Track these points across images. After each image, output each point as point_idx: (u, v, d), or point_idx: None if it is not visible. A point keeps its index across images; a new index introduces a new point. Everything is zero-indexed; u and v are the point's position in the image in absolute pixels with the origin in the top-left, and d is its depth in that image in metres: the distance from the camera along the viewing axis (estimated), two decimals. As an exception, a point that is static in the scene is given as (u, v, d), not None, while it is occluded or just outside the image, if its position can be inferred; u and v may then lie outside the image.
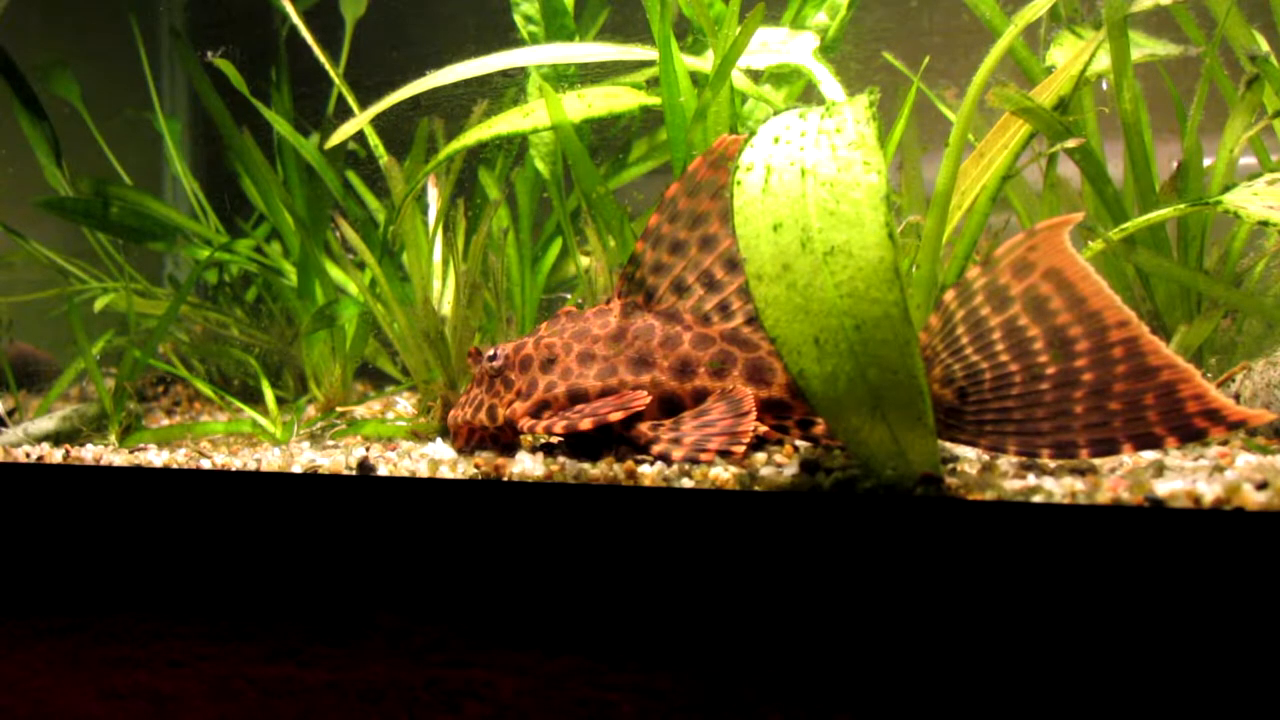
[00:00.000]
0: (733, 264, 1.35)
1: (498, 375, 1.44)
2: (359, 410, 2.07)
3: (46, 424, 1.96)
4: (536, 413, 1.38)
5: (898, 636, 1.01)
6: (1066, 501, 0.98)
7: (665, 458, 1.23)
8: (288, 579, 1.31)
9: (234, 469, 1.42)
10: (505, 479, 1.24)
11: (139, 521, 1.39)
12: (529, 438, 1.50)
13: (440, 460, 1.37)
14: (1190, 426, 1.06)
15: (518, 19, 1.94)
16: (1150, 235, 1.54)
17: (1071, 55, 1.41)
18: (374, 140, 1.93)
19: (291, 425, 1.90)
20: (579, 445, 1.39)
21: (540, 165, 1.92)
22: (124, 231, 2.40)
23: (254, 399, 2.29)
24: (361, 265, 2.00)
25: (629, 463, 1.23)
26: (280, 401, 2.06)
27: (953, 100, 1.84)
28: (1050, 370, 1.11)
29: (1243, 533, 0.89)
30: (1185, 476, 1.04)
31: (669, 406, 1.33)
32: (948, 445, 1.23)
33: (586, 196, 1.76)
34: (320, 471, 1.35)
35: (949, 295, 1.15)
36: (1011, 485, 1.03)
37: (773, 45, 1.73)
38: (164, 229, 2.41)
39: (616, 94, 1.74)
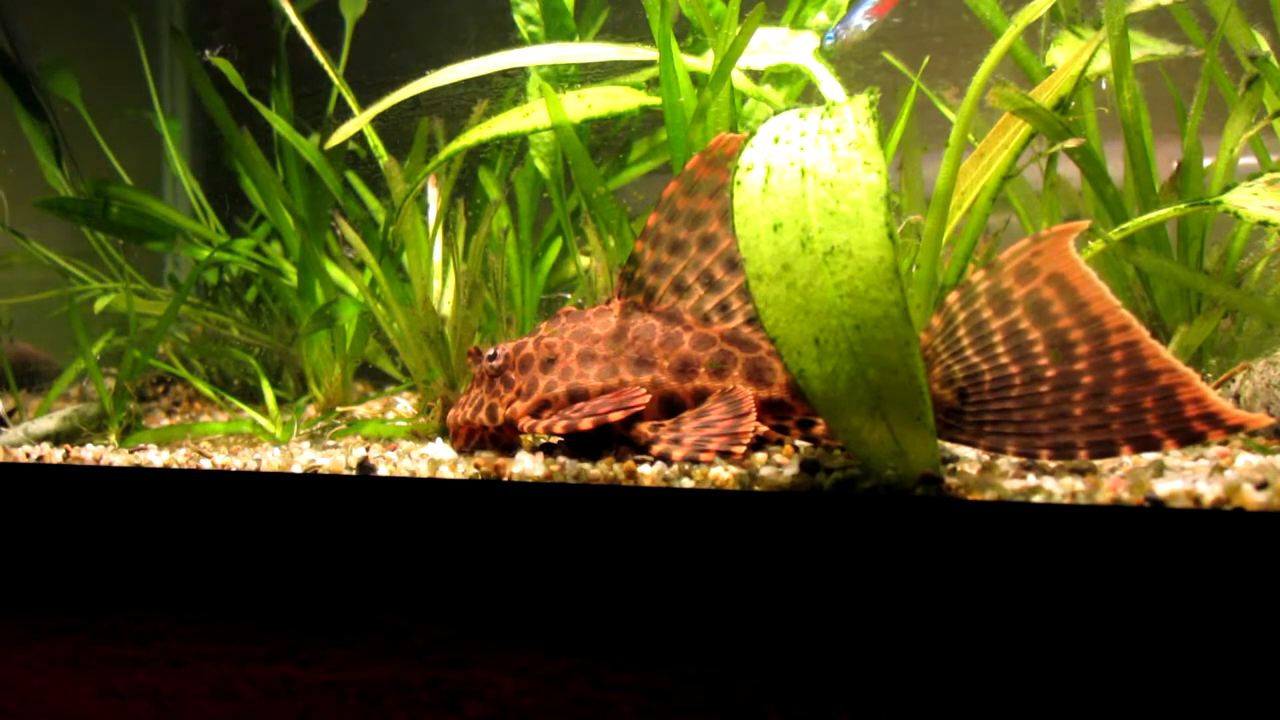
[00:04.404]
0: (733, 264, 1.35)
1: (498, 375, 1.44)
2: (359, 410, 2.07)
3: (46, 424, 1.96)
4: (536, 412, 1.38)
5: (898, 636, 1.01)
6: (1066, 501, 0.98)
7: (665, 458, 1.23)
8: (288, 579, 1.31)
9: (234, 469, 1.42)
10: (505, 479, 1.24)
11: (139, 521, 1.39)
12: (529, 438, 1.50)
13: (440, 460, 1.37)
14: (1189, 430, 1.06)
15: (518, 19, 1.94)
16: (1150, 235, 1.54)
17: (1071, 55, 1.41)
18: (374, 140, 1.93)
19: (291, 425, 1.90)
20: (579, 445, 1.39)
21: (540, 165, 1.92)
22: (124, 231, 2.40)
23: (254, 399, 2.29)
24: (361, 265, 2.00)
25: (629, 463, 1.23)
26: (280, 401, 2.06)
27: (953, 100, 1.84)
28: (1050, 373, 1.11)
29: (1243, 533, 0.89)
30: (1185, 476, 1.04)
31: (669, 406, 1.33)
32: (947, 445, 1.23)
33: (586, 196, 1.76)
34: (320, 471, 1.35)
35: (952, 297, 1.15)
36: (1011, 485, 1.03)
37: (773, 45, 1.73)
38: (164, 229, 2.41)
39: (616, 94, 1.74)
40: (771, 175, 1.10)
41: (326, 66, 1.97)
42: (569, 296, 2.19)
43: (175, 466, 1.46)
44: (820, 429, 1.30)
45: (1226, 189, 1.38)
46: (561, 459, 1.31)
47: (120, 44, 2.69)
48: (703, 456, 1.21)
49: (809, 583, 1.04)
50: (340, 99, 2.04)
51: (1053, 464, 1.14)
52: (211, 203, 2.58)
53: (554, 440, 1.47)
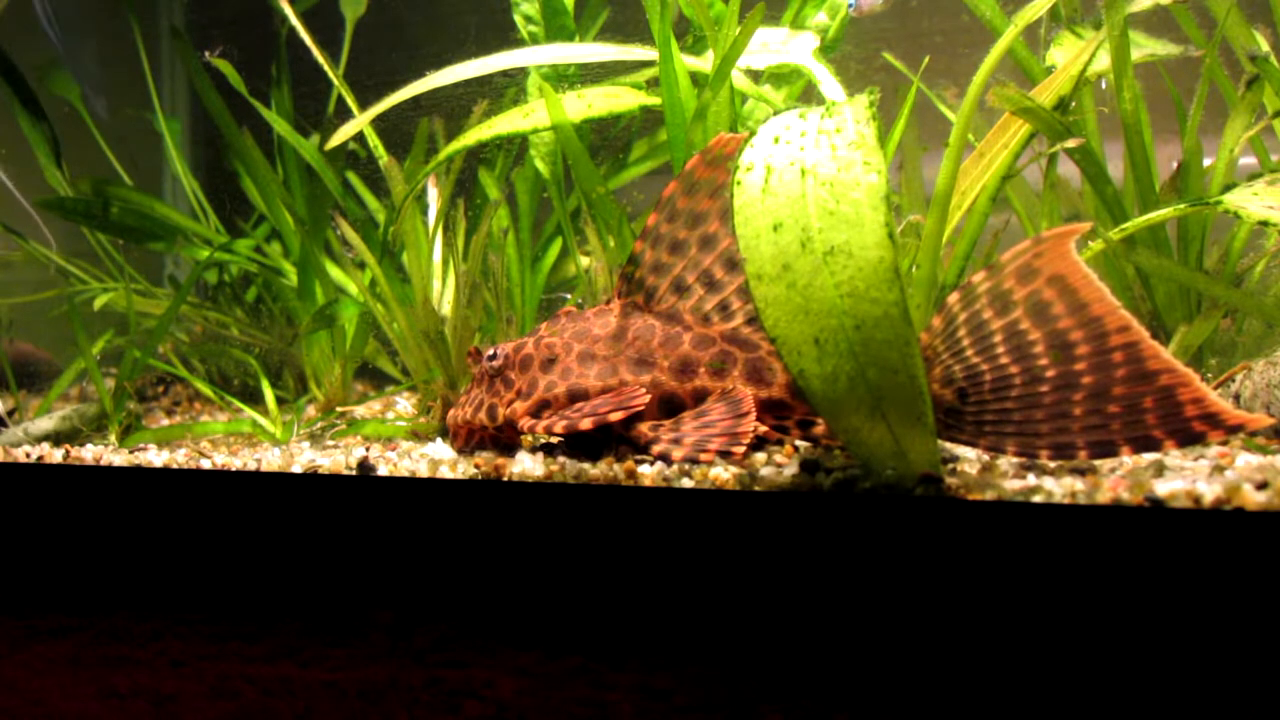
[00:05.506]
0: (732, 264, 1.35)
1: (498, 375, 1.44)
2: (359, 410, 2.07)
3: (46, 424, 1.96)
4: (536, 412, 1.38)
5: (897, 636, 1.01)
6: (1066, 501, 0.98)
7: (665, 458, 1.23)
8: (288, 579, 1.31)
9: (234, 469, 1.42)
10: (505, 479, 1.24)
11: (139, 521, 1.39)
12: (529, 437, 1.50)
13: (440, 460, 1.37)
14: (1189, 430, 1.06)
15: (518, 19, 1.94)
16: (1150, 235, 1.54)
17: (1071, 55, 1.41)
18: (374, 140, 1.93)
19: (291, 425, 1.90)
20: (579, 445, 1.39)
21: (540, 165, 1.92)
22: (124, 231, 2.40)
23: (254, 399, 2.29)
24: (361, 265, 2.00)
25: (629, 463, 1.23)
26: (280, 401, 2.06)
27: (953, 100, 1.84)
28: (1050, 373, 1.11)
29: (1243, 533, 0.89)
30: (1185, 476, 1.04)
31: (669, 406, 1.33)
32: (947, 445, 1.23)
33: (586, 196, 1.76)
34: (320, 471, 1.35)
35: (953, 298, 1.15)
36: (1011, 485, 1.03)
37: (773, 45, 1.73)
38: (164, 229, 2.41)
39: (616, 94, 1.74)
40: (771, 175, 1.11)
41: (326, 66, 1.97)
42: (569, 296, 2.19)
43: (175, 466, 1.46)
44: (820, 429, 1.30)
45: (1226, 189, 1.38)
46: (561, 459, 1.31)
47: (120, 44, 2.69)
48: (703, 456, 1.21)
49: (809, 582, 1.04)
50: (340, 99, 2.04)
51: (1053, 464, 1.14)
52: (211, 203, 2.58)
53: (554, 440, 1.47)
